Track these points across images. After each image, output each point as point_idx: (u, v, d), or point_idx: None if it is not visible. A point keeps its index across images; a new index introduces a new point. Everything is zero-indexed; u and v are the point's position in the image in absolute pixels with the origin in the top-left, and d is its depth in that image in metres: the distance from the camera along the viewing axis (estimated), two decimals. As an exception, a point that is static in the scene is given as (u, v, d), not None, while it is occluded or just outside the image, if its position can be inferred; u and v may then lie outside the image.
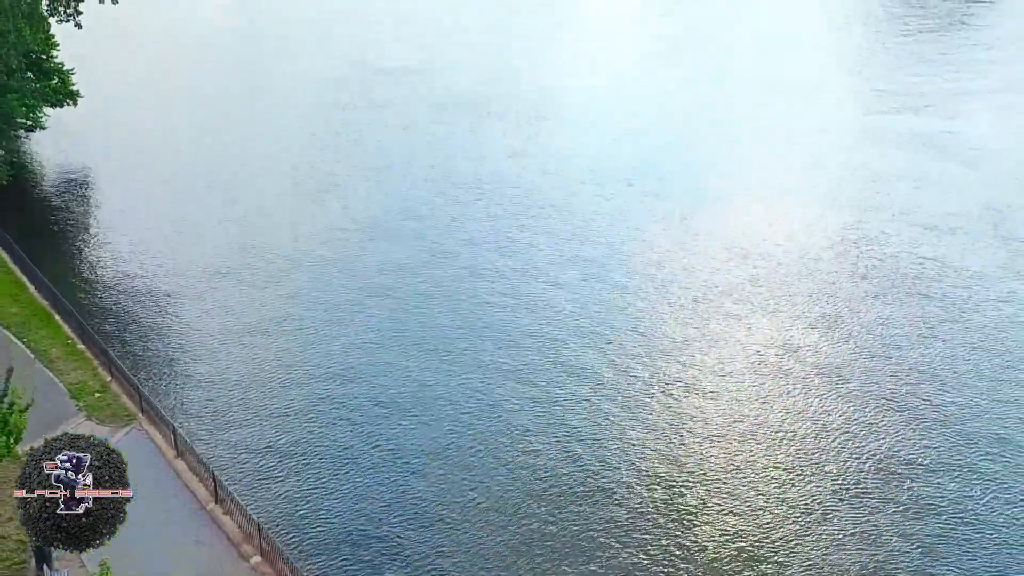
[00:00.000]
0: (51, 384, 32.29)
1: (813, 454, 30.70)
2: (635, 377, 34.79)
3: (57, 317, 36.94)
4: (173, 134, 61.41)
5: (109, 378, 32.99)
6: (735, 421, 32.37)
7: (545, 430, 31.92)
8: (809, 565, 26.26)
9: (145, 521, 24.61)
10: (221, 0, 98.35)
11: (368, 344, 37.17)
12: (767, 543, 27.00)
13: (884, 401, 33.30)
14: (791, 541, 27.07)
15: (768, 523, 27.75)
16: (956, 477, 29.53)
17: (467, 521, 27.90)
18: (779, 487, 29.17)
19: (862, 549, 26.77)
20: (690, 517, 28.02)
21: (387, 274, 42.92)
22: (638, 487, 29.15)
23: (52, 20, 50.43)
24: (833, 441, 31.27)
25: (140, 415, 31.25)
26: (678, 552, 26.70)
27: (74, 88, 55.09)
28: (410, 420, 32.45)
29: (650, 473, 29.78)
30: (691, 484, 29.35)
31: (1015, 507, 28.40)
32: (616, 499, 28.68)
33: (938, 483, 29.25)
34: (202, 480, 28.33)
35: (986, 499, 28.69)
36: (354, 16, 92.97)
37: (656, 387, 34.16)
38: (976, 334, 37.56)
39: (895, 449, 30.80)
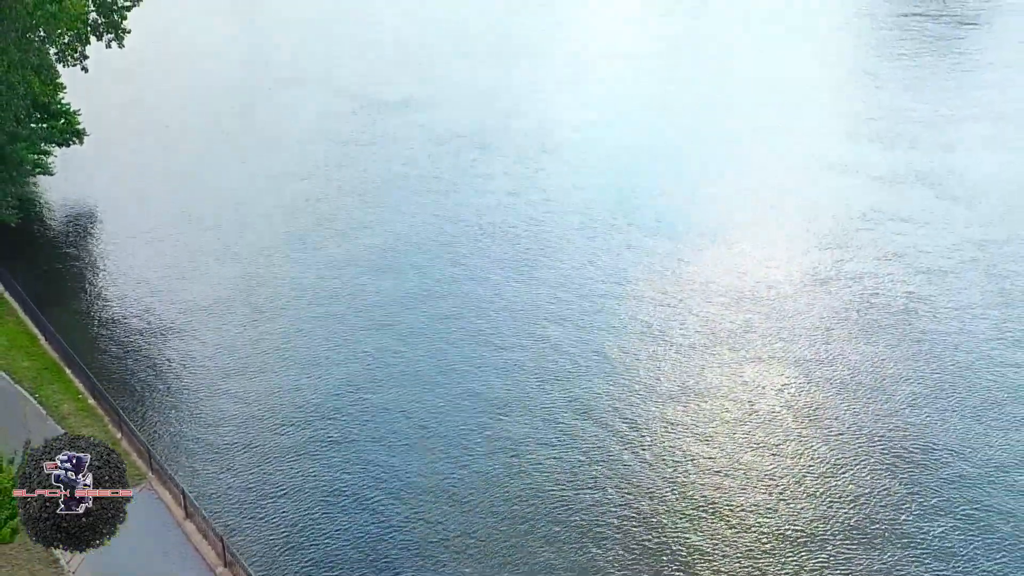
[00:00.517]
0: (63, 442, 33.24)
1: (814, 499, 31.79)
2: (633, 420, 35.88)
3: (68, 371, 37.95)
4: (176, 170, 62.40)
5: (119, 435, 33.98)
6: (734, 466, 33.40)
7: (541, 468, 33.36)
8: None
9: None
10: (222, 32, 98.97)
11: (372, 383, 38.81)
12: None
13: (872, 445, 34.35)
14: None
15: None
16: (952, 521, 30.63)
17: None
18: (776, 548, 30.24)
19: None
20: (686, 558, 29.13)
21: (389, 307, 44.90)
22: (638, 532, 30.23)
23: (60, 66, 51.37)
24: (818, 483, 32.35)
25: (150, 474, 32.25)
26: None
27: (80, 127, 56.28)
28: (417, 461, 34.00)
29: (647, 518, 30.85)
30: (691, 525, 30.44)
31: (1001, 552, 29.48)
32: (621, 543, 29.82)
33: (937, 527, 30.35)
34: (211, 543, 29.33)
35: (973, 544, 29.83)
36: (355, 45, 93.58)
37: (654, 432, 35.24)
38: (968, 383, 38.68)
39: (889, 495, 31.85)
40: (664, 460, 34.13)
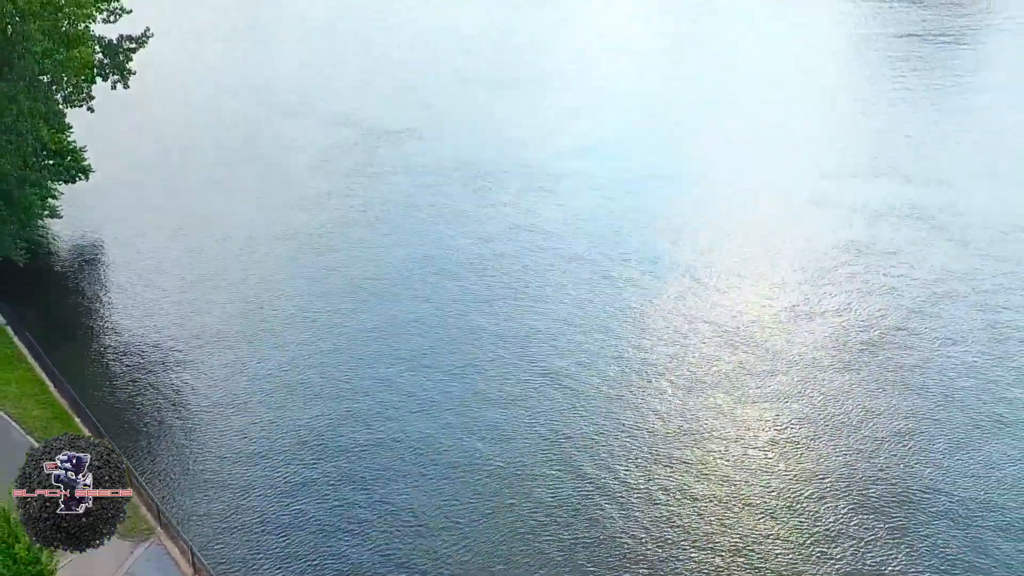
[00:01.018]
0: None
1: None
2: (630, 454, 37.01)
3: (77, 419, 38.70)
4: (180, 203, 63.13)
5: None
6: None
7: (536, 498, 35.69)
8: None
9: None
10: (224, 62, 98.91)
11: (377, 415, 40.85)
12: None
13: (851, 485, 35.31)
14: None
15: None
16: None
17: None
18: None
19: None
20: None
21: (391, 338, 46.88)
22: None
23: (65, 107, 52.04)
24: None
25: (158, 528, 33.05)
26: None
27: (86, 163, 57.03)
28: (434, 499, 35.80)
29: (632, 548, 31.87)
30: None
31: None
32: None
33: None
34: (219, 601, 30.19)
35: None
36: (357, 74, 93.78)
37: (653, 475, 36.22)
38: (954, 419, 39.80)
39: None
40: (655, 494, 35.71)
